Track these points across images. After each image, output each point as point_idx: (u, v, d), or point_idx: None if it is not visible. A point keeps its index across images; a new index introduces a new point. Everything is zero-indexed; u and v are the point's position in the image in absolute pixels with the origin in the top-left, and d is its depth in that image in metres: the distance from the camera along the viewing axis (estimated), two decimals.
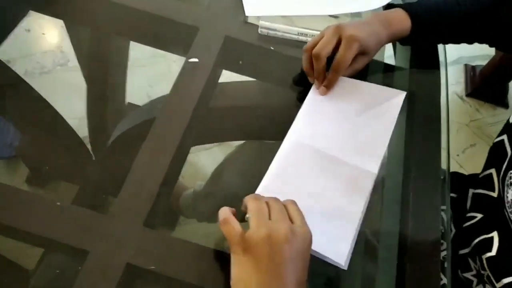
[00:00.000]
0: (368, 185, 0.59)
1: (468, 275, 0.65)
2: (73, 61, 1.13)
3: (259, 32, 0.74)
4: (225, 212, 0.48)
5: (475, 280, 0.64)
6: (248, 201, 0.49)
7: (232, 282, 0.46)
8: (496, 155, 0.65)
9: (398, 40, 0.72)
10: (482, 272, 0.61)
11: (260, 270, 0.44)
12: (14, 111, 0.81)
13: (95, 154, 0.84)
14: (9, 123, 0.91)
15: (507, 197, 0.59)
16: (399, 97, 0.68)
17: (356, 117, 0.65)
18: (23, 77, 1.19)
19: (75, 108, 0.93)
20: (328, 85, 0.66)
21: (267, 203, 0.49)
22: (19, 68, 1.24)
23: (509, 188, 0.59)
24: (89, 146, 0.86)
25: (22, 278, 0.61)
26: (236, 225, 0.47)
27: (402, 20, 0.67)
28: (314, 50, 0.63)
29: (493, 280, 0.58)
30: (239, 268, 0.46)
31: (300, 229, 0.47)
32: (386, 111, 0.66)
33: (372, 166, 0.61)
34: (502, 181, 0.61)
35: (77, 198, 0.74)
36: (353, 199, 0.58)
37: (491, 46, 0.73)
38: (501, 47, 0.74)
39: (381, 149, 0.63)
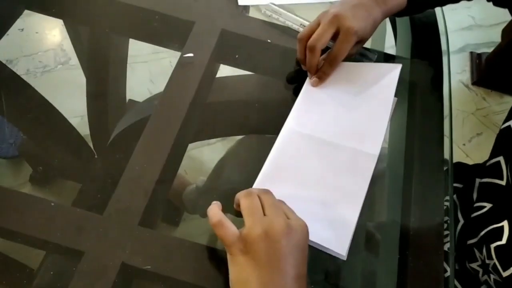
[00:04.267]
0: (369, 168, 0.57)
1: (474, 265, 0.63)
2: (75, 59, 1.13)
3: (262, 12, 0.73)
4: (216, 214, 0.46)
5: (481, 271, 0.63)
6: (241, 198, 0.48)
7: (231, 283, 0.46)
8: (503, 141, 0.63)
9: (394, 15, 0.69)
10: (488, 261, 0.59)
11: (259, 267, 0.44)
12: (15, 111, 0.81)
13: (97, 152, 0.84)
14: (11, 123, 0.91)
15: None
16: (395, 70, 0.66)
17: (352, 100, 0.64)
18: (25, 76, 1.19)
19: (78, 106, 0.92)
20: (321, 78, 0.65)
21: (260, 198, 0.48)
22: (21, 68, 1.24)
23: None
24: (91, 144, 0.86)
25: (28, 278, 0.61)
26: (231, 227, 0.46)
27: None
28: (310, 42, 0.61)
29: (500, 269, 0.57)
30: (237, 268, 0.45)
31: (296, 222, 0.46)
32: (382, 88, 0.64)
33: (373, 148, 0.59)
34: (511, 169, 0.59)
35: (79, 197, 0.73)
36: (355, 184, 0.56)
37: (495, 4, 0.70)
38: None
39: (381, 129, 0.61)
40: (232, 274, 0.46)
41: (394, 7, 0.66)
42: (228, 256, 0.46)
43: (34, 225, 0.51)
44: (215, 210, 0.47)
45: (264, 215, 0.46)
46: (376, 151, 0.59)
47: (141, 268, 0.49)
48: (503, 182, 0.61)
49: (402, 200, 0.59)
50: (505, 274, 0.55)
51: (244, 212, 0.46)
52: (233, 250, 0.45)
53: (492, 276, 0.59)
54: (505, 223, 0.57)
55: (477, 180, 0.72)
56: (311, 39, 0.61)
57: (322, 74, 0.65)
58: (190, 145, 1.23)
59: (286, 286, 0.43)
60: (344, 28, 0.60)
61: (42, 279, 0.56)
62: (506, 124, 0.63)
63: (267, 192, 0.49)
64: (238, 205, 0.48)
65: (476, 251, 0.63)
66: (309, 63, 0.63)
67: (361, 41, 0.64)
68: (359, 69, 0.67)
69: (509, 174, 0.60)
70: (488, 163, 0.66)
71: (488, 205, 0.63)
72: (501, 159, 0.63)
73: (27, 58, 1.29)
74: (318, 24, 0.62)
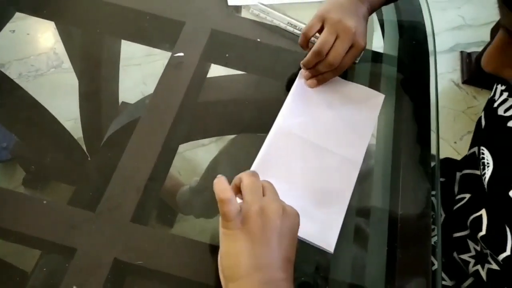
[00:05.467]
0: (353, 173, 0.59)
1: (465, 256, 0.64)
2: (67, 63, 1.13)
3: (250, 12, 0.74)
4: (226, 190, 0.45)
5: (472, 261, 0.63)
6: (244, 177, 0.49)
7: (220, 256, 0.47)
8: (476, 132, 0.66)
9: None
10: (485, 251, 0.60)
11: (252, 241, 0.45)
12: (8, 114, 0.81)
13: (90, 154, 0.84)
14: (4, 126, 0.92)
15: (481, 172, 0.59)
16: (379, 98, 0.69)
17: (339, 110, 0.66)
18: (17, 80, 1.19)
19: (71, 109, 0.93)
20: (320, 81, 0.67)
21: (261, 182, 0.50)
22: (13, 72, 1.24)
23: (479, 163, 0.59)
24: (84, 147, 0.86)
25: (21, 277, 0.61)
26: (236, 204, 0.46)
27: None
28: (332, 60, 0.62)
29: (494, 256, 0.58)
30: (230, 241, 0.46)
31: (290, 209, 0.48)
32: (367, 109, 0.67)
33: (356, 155, 0.61)
34: (479, 157, 0.61)
35: (72, 199, 0.74)
36: (341, 186, 0.58)
37: None
38: None
39: (364, 142, 0.63)
40: (223, 247, 0.46)
41: (378, 3, 0.69)
42: (222, 231, 0.46)
43: (27, 223, 0.52)
44: (223, 185, 0.46)
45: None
46: (360, 159, 0.61)
47: (134, 263, 0.50)
48: (479, 172, 0.63)
49: (390, 195, 0.60)
50: (500, 257, 0.56)
51: (245, 189, 0.48)
52: (231, 225, 0.45)
53: (486, 266, 0.60)
54: (483, 212, 0.58)
55: (458, 174, 0.73)
56: (333, 58, 0.62)
57: (322, 79, 0.67)
58: (184, 146, 1.23)
59: (274, 264, 0.45)
60: (357, 45, 0.63)
61: (35, 277, 0.57)
62: (480, 115, 0.65)
63: (269, 181, 0.51)
64: (235, 187, 0.50)
65: (470, 242, 0.64)
66: (321, 74, 0.66)
67: None
68: (347, 85, 0.69)
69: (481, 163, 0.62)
70: (467, 154, 0.68)
71: (467, 196, 0.64)
72: (476, 149, 0.65)
73: (19, 62, 1.29)
74: (334, 36, 0.62)
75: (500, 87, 0.61)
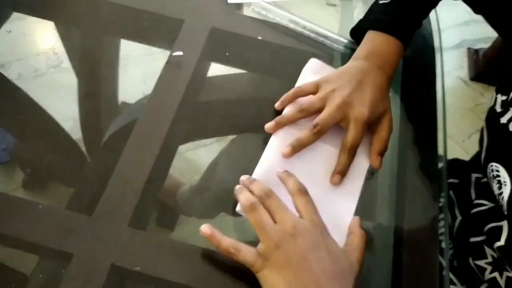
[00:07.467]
0: (361, 175, 0.58)
1: (481, 262, 0.62)
2: (67, 62, 1.12)
3: (251, 9, 0.73)
4: (231, 243, 0.48)
5: (489, 268, 0.61)
6: (247, 214, 0.49)
7: None
8: (481, 144, 0.63)
9: None
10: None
11: (283, 272, 0.46)
12: (6, 115, 0.81)
13: (90, 155, 0.83)
14: (3, 128, 0.91)
15: (494, 190, 0.56)
16: None
17: None
18: (17, 80, 1.19)
19: (70, 110, 0.92)
20: (342, 172, 0.57)
21: (264, 205, 0.49)
22: (12, 72, 1.23)
23: (493, 181, 0.56)
24: (83, 148, 0.85)
25: (17, 282, 0.60)
26: (246, 247, 0.48)
27: (390, 46, 0.62)
28: (318, 123, 0.56)
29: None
30: (263, 281, 0.47)
31: (305, 222, 0.48)
32: None
33: (364, 156, 0.59)
34: (485, 171, 0.58)
35: (73, 201, 0.73)
36: (349, 184, 0.57)
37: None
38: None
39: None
40: None
41: (397, 61, 0.63)
42: (256, 276, 0.47)
43: (22, 228, 0.51)
44: (226, 240, 0.48)
45: (274, 221, 0.48)
46: (367, 160, 0.59)
47: (131, 269, 0.49)
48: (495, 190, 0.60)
49: (396, 197, 0.59)
50: None
51: (255, 227, 0.48)
52: (257, 267, 0.47)
53: (505, 274, 0.58)
54: (504, 223, 0.56)
55: (473, 175, 0.71)
56: (319, 120, 0.56)
57: (342, 167, 0.57)
58: (185, 147, 1.22)
59: (317, 282, 0.45)
60: (350, 117, 0.56)
61: (31, 283, 0.55)
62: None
63: (269, 195, 0.50)
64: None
65: (486, 248, 0.62)
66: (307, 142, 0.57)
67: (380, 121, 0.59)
68: None
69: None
70: (475, 156, 0.65)
71: (489, 204, 0.62)
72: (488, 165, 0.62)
73: (19, 62, 1.28)
74: (321, 102, 0.58)
75: (500, 97, 0.57)
